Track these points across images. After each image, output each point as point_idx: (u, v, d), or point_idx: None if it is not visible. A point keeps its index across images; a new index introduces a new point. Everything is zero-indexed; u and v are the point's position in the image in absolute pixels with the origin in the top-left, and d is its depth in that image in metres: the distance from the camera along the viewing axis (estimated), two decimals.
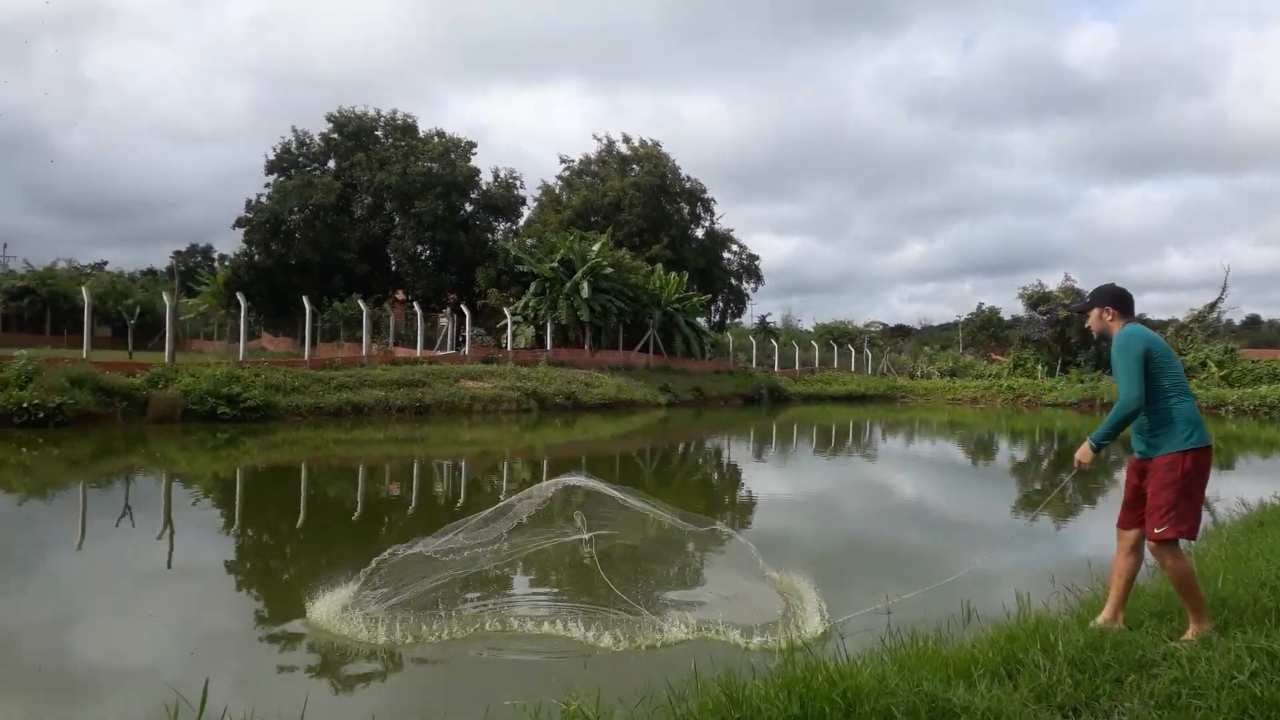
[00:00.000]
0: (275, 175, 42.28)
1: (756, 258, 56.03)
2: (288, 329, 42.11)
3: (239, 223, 40.88)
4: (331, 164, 43.10)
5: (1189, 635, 4.05)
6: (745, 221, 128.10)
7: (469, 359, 32.02)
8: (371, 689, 4.57)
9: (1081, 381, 43.10)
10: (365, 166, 41.54)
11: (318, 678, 4.66)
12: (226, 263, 46.29)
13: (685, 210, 50.71)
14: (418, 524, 9.58)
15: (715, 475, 15.89)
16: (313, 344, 29.25)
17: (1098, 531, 9.00)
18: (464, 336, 35.91)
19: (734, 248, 54.62)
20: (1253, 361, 43.39)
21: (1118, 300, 4.43)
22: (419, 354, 31.56)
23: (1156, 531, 4.10)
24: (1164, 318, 50.47)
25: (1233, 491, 10.45)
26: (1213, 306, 46.80)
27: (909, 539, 8.96)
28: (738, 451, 20.67)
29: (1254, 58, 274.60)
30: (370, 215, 42.96)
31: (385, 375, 26.48)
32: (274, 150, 42.73)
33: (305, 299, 29.16)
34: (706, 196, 51.71)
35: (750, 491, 13.15)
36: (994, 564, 7.70)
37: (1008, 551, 8.48)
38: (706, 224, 52.48)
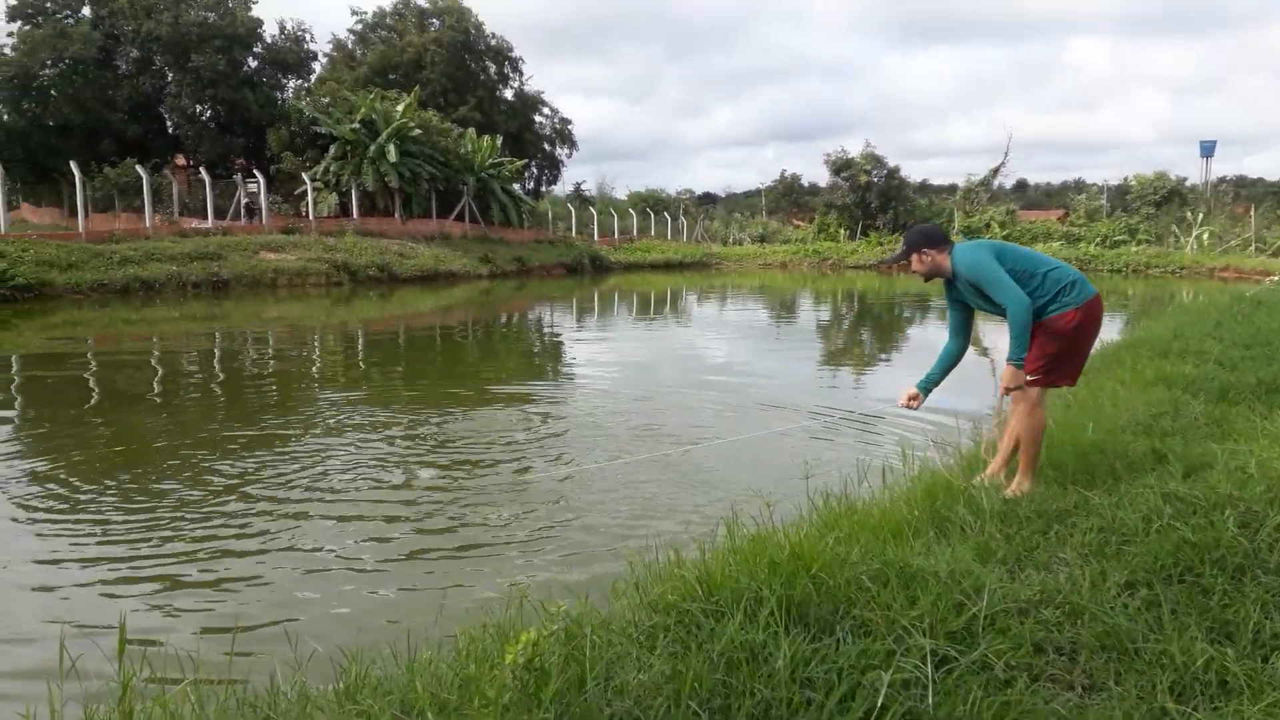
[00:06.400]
0: (19, 23, 36.72)
1: (569, 121, 54.53)
2: (52, 198, 37.54)
3: None
4: (87, 11, 37.86)
5: (1014, 489, 4.10)
6: (554, 84, 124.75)
7: (267, 229, 29.81)
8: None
9: (881, 245, 45.49)
10: (128, 15, 36.82)
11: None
12: None
13: (492, 70, 48.31)
14: (228, 410, 8.94)
15: (561, 346, 15.72)
16: (85, 215, 26.22)
17: (969, 390, 8.76)
18: (253, 204, 33.05)
19: (545, 111, 52.83)
20: (1029, 222, 47.15)
21: (928, 238, 4.34)
22: (210, 224, 29.00)
23: (1030, 378, 4.12)
24: (947, 182, 53.45)
25: None
26: (996, 171, 49.71)
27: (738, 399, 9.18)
28: (569, 320, 20.51)
29: None
30: (139, 71, 38.44)
31: (175, 248, 24.31)
32: None
33: (73, 165, 25.90)
34: (514, 56, 49.35)
35: (595, 359, 13.09)
36: (870, 421, 7.79)
37: (880, 411, 8.43)
38: (515, 85, 50.35)
